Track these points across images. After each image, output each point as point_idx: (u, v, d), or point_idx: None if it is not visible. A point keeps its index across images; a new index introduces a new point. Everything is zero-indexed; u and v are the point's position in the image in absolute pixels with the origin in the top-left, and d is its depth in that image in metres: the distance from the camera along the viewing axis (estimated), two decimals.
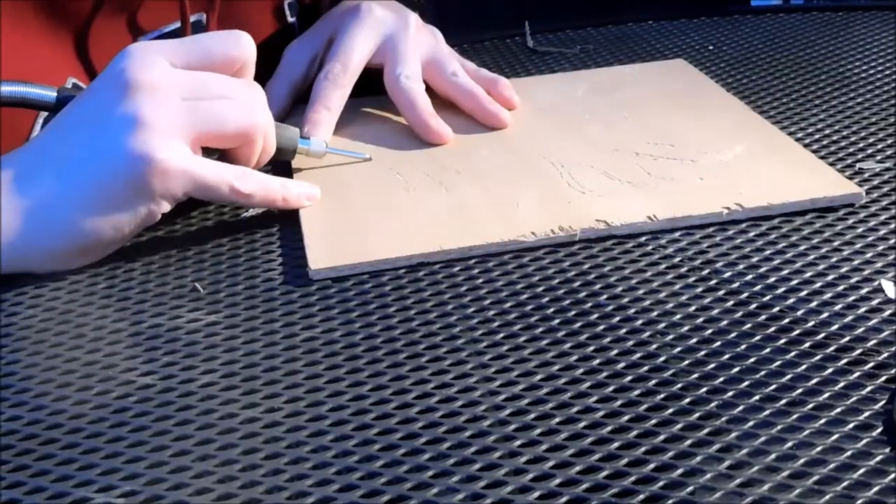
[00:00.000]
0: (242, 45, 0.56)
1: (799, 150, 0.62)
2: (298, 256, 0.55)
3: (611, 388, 0.43)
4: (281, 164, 0.62)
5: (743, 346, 0.46)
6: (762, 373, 0.44)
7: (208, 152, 0.55)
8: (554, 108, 0.71)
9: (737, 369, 0.44)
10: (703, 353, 0.45)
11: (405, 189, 0.60)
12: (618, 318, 0.48)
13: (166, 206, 0.53)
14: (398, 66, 0.68)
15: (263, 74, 0.65)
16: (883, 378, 0.43)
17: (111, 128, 0.51)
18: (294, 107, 0.70)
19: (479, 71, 0.72)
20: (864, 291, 0.49)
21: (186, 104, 0.53)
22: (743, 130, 0.65)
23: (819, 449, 0.39)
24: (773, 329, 0.47)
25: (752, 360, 0.45)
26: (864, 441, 0.39)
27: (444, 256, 0.54)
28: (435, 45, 0.71)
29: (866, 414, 0.41)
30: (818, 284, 0.50)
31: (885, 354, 0.44)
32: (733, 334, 0.46)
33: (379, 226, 0.57)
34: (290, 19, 0.79)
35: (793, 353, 0.45)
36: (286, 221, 0.59)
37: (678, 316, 0.48)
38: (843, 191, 0.57)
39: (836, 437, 0.40)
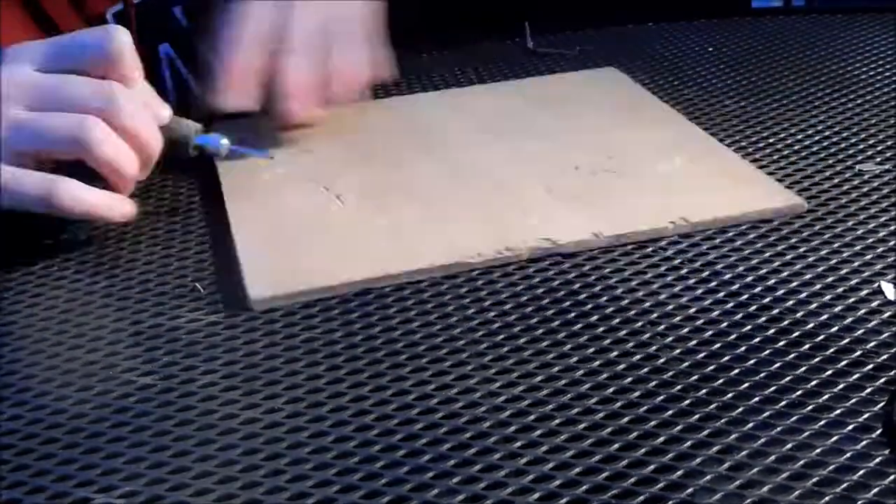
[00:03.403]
0: (114, 41, 0.55)
1: (738, 162, 0.61)
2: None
3: (611, 390, 0.43)
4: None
5: (743, 348, 0.46)
6: (762, 374, 0.44)
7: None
8: (493, 121, 0.70)
9: (737, 371, 0.44)
10: (703, 354, 0.45)
11: (339, 209, 0.58)
12: (618, 320, 0.48)
13: None
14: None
15: None
16: (882, 380, 0.43)
17: None
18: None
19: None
20: (863, 293, 0.49)
21: (16, 120, 0.53)
22: (680, 142, 0.64)
23: (819, 450, 0.39)
24: (772, 331, 0.47)
25: (752, 361, 0.45)
26: (863, 442, 0.39)
27: (391, 281, 0.52)
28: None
29: (866, 415, 0.41)
30: (818, 287, 0.50)
31: (885, 356, 0.44)
32: (733, 336, 0.46)
33: (318, 250, 0.55)
34: None
35: (793, 355, 0.45)
36: None
37: (678, 318, 0.48)
38: (785, 202, 0.56)
39: (835, 438, 0.40)
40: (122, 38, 0.55)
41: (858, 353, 0.45)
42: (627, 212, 0.56)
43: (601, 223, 0.55)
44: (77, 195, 0.54)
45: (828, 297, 0.49)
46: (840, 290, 0.50)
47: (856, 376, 0.43)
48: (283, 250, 0.55)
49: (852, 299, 0.49)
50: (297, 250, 0.55)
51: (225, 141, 0.61)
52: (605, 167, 0.61)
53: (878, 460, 0.39)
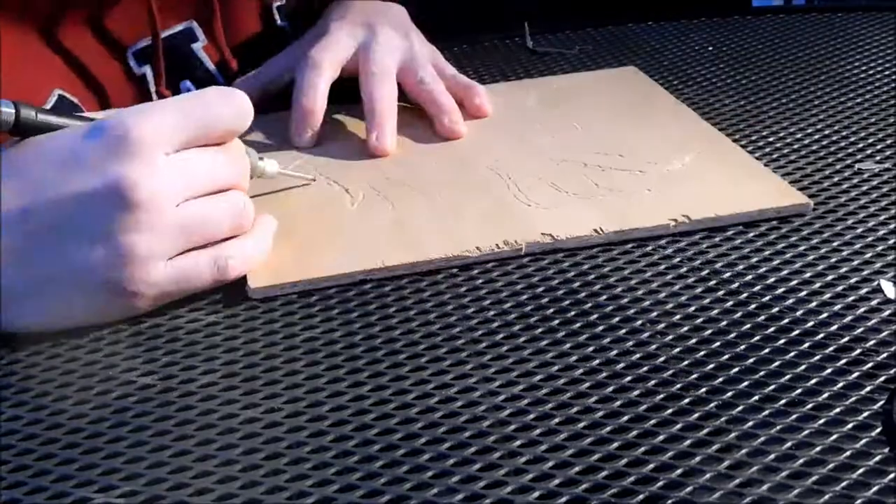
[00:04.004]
0: (243, 116, 0.51)
1: (748, 160, 0.61)
2: None
3: (610, 389, 0.43)
4: None
5: (742, 347, 0.46)
6: (761, 373, 0.44)
7: None
8: (504, 118, 0.70)
9: (736, 369, 0.44)
10: (702, 353, 0.45)
11: (350, 204, 0.59)
12: (617, 319, 0.48)
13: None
14: (371, 66, 0.68)
15: None
16: (882, 378, 0.43)
17: (96, 253, 0.47)
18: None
19: (456, 77, 0.72)
20: (863, 292, 0.49)
21: (182, 221, 0.48)
22: (692, 140, 0.64)
23: (818, 449, 0.39)
24: (772, 329, 0.47)
25: (752, 360, 0.45)
26: (863, 441, 0.39)
27: (387, 273, 0.52)
28: (408, 49, 0.70)
29: (865, 414, 0.41)
30: (817, 285, 0.50)
31: (885, 354, 0.44)
32: (733, 335, 0.46)
33: (321, 243, 0.55)
34: (281, 23, 0.79)
35: (792, 354, 0.45)
36: None
37: (678, 316, 0.48)
38: (790, 201, 0.56)
39: (835, 437, 0.40)
40: (249, 110, 0.52)
41: (858, 351, 0.45)
42: (631, 209, 0.56)
43: (603, 219, 0.55)
44: (246, 255, 0.52)
45: (827, 295, 0.49)
46: (839, 288, 0.50)
47: (855, 375, 0.43)
48: (285, 243, 0.55)
49: (852, 297, 0.49)
50: (297, 244, 0.55)
51: (274, 164, 0.60)
52: (614, 164, 0.62)
53: (877, 459, 0.39)
